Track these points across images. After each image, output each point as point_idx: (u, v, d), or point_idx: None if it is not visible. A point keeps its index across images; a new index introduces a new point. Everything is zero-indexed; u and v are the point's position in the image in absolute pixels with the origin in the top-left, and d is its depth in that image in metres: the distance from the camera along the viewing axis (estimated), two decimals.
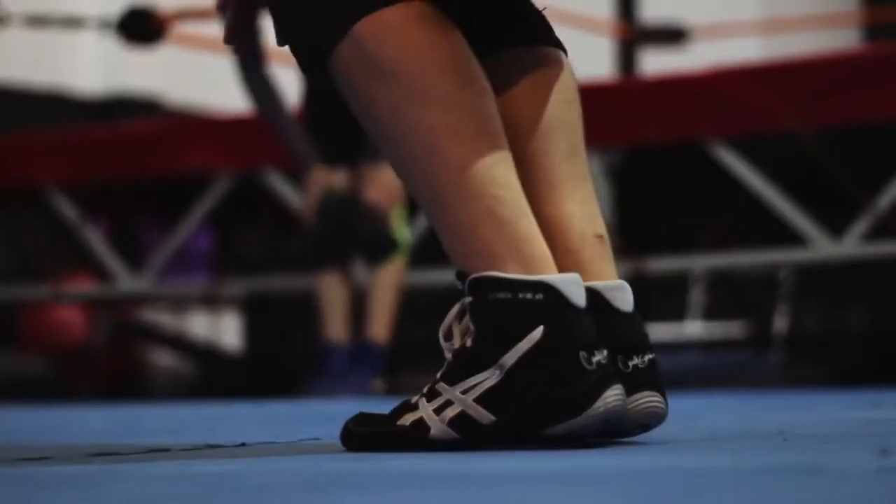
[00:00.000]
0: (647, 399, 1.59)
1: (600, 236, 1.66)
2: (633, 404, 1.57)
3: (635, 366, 1.59)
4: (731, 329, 8.47)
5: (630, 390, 1.56)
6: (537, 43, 1.71)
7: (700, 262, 4.73)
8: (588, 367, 1.50)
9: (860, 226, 4.33)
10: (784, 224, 4.46)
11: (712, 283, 8.45)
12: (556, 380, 1.50)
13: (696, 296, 8.62)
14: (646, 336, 1.63)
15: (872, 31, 8.95)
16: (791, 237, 4.48)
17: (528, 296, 1.51)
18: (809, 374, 7.46)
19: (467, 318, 1.54)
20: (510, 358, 1.50)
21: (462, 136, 1.55)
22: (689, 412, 2.50)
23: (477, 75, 1.58)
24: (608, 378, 1.51)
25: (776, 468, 1.24)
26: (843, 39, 8.99)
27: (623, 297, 1.61)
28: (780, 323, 8.32)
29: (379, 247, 4.27)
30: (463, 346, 1.54)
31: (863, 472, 1.19)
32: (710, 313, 8.72)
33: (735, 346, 8.14)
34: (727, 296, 8.63)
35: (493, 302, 1.52)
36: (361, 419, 1.60)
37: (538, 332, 1.50)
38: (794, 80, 4.37)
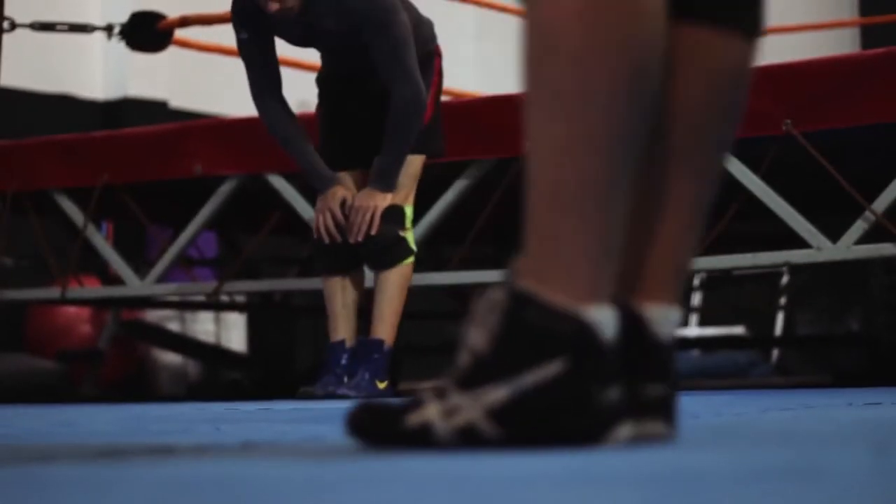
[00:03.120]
0: (653, 429, 1.58)
1: (681, 265, 1.62)
2: (639, 431, 1.56)
3: (652, 394, 1.57)
4: (731, 330, 8.48)
5: (641, 416, 1.56)
6: (739, 28, 1.61)
7: (699, 265, 4.74)
8: (603, 405, 1.49)
9: (858, 228, 4.34)
10: (783, 226, 4.47)
11: (712, 285, 8.47)
12: (570, 411, 1.48)
13: (697, 298, 8.64)
14: (673, 365, 1.61)
15: (869, 36, 8.96)
16: (790, 239, 4.49)
17: (561, 325, 1.48)
18: (808, 375, 7.47)
19: (495, 318, 1.51)
20: (528, 379, 1.48)
21: (597, 151, 1.47)
22: (689, 412, 2.51)
23: (649, 82, 1.49)
24: (621, 415, 1.51)
25: (775, 468, 1.24)
26: (840, 44, 9.01)
27: (665, 326, 1.59)
28: (780, 324, 8.34)
29: (388, 249, 4.29)
30: (482, 351, 1.52)
31: (861, 472, 1.19)
32: (710, 315, 8.73)
33: (735, 346, 8.16)
34: (727, 297, 8.65)
35: (526, 320, 1.49)
36: (368, 409, 1.58)
37: (560, 363, 1.48)
38: (791, 84, 4.40)
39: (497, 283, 1.54)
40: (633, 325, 1.56)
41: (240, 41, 4.29)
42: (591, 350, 1.49)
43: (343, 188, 4.33)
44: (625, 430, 1.52)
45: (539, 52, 1.50)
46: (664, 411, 1.59)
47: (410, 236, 4.34)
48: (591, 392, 1.48)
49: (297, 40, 4.30)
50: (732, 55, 1.61)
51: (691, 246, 1.63)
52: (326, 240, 4.31)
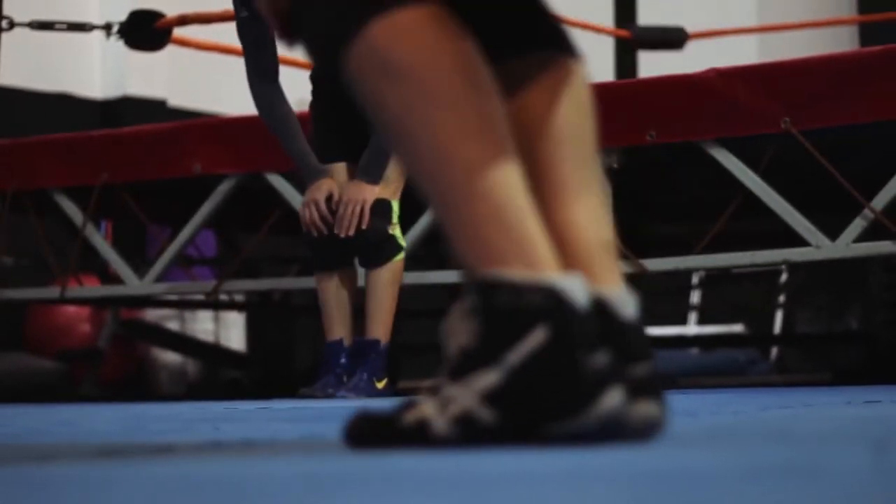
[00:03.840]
0: (646, 408, 1.58)
1: (607, 243, 1.68)
2: (631, 412, 1.56)
3: (635, 374, 1.58)
4: (729, 328, 8.48)
5: (633, 397, 1.56)
6: (551, 49, 1.73)
7: (698, 263, 4.74)
8: (589, 368, 1.51)
9: (856, 226, 4.34)
10: (782, 224, 4.47)
11: (711, 284, 8.47)
12: (558, 379, 1.50)
13: (696, 296, 8.64)
14: (647, 344, 1.64)
15: (868, 34, 8.96)
16: (789, 237, 4.49)
17: (532, 296, 1.51)
18: (807, 373, 7.47)
19: (471, 316, 1.54)
20: (514, 357, 1.51)
21: (469, 138, 1.56)
22: (688, 410, 2.52)
23: (486, 79, 1.59)
24: (609, 379, 1.52)
25: (774, 467, 1.24)
26: (839, 42, 9.01)
27: (626, 305, 1.61)
28: (779, 322, 8.34)
29: (378, 247, 4.28)
30: (466, 344, 1.54)
31: (861, 470, 1.19)
32: (709, 313, 8.73)
33: (734, 344, 8.16)
34: (726, 296, 8.65)
35: (497, 302, 1.53)
36: (364, 417, 1.60)
37: (541, 332, 1.50)
38: (790, 82, 4.40)
39: (461, 295, 1.57)
40: (597, 308, 1.58)
41: (240, 20, 4.27)
42: (567, 315, 1.51)
43: (330, 181, 4.31)
44: (615, 395, 1.52)
45: (383, 86, 1.59)
46: (653, 390, 1.60)
47: (398, 232, 4.32)
48: (575, 357, 1.51)
49: None
50: (568, 68, 1.73)
51: (608, 225, 1.70)
52: (314, 233, 4.29)
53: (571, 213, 1.67)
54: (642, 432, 1.60)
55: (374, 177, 4.25)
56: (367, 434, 1.59)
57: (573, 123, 1.71)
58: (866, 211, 4.30)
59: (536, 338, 1.51)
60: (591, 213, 1.68)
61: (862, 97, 4.30)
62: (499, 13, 1.72)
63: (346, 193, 4.26)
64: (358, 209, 4.23)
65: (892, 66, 4.30)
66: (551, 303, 1.51)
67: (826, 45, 7.60)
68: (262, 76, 4.28)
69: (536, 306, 1.51)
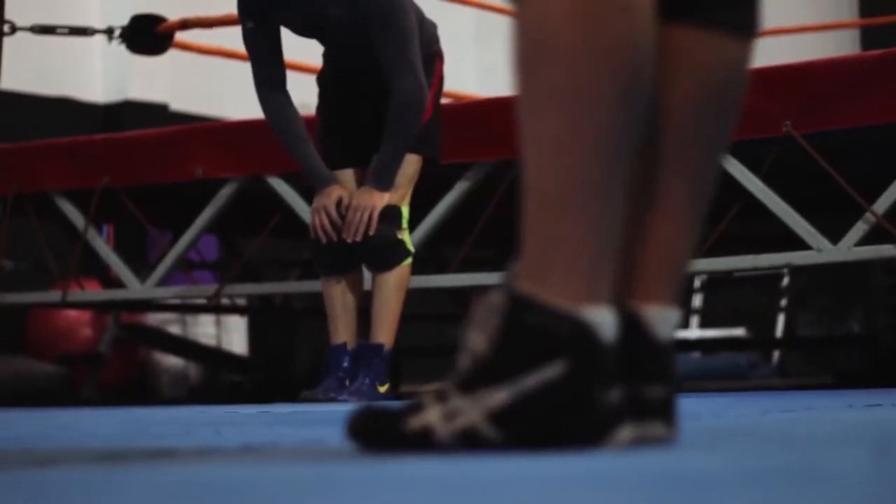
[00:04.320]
0: (653, 430, 1.57)
1: (678, 266, 1.62)
2: (640, 433, 1.55)
3: (650, 395, 1.57)
4: (731, 332, 8.48)
5: (641, 418, 1.56)
6: (737, 31, 1.60)
7: (700, 267, 4.74)
8: (603, 406, 1.49)
9: (858, 229, 4.34)
10: (783, 228, 4.47)
11: (712, 287, 8.48)
12: (571, 414, 1.48)
13: (697, 300, 8.64)
14: (670, 368, 1.60)
15: (869, 37, 8.97)
16: (790, 241, 4.49)
17: (561, 326, 1.49)
18: (808, 376, 7.47)
19: (495, 321, 1.52)
20: (528, 382, 1.49)
21: (596, 153, 1.47)
22: (690, 414, 2.52)
23: (640, 91, 1.49)
24: (621, 417, 1.51)
25: (776, 470, 1.25)
26: (840, 45, 9.01)
27: (664, 327, 1.59)
28: (780, 326, 8.34)
29: (386, 251, 4.29)
30: (482, 353, 1.52)
31: (862, 474, 1.19)
32: (711, 317, 8.74)
33: (736, 348, 8.16)
34: (727, 299, 8.66)
35: (525, 322, 1.50)
36: (368, 415, 1.58)
37: (560, 364, 1.48)
38: (792, 85, 4.40)
39: (496, 286, 1.55)
40: (631, 326, 1.56)
41: (245, 31, 4.28)
42: (591, 351, 1.49)
43: (340, 187, 4.32)
44: (626, 432, 1.52)
45: (530, 51, 1.50)
46: (664, 413, 1.59)
47: (407, 237, 4.33)
48: (591, 394, 1.49)
49: (303, 28, 4.27)
50: (726, 55, 1.60)
51: (688, 247, 1.63)
52: (323, 239, 4.30)
53: (658, 227, 1.60)
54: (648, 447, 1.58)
55: (385, 184, 4.26)
56: (370, 433, 1.57)
57: (706, 122, 1.60)
58: (868, 214, 4.30)
59: (556, 369, 1.48)
60: (678, 231, 1.61)
61: (863, 100, 4.30)
62: None
63: (356, 199, 4.27)
64: (367, 215, 4.25)
65: (894, 69, 4.30)
66: (577, 337, 1.48)
67: (827, 49, 7.60)
68: (270, 85, 4.29)
69: (562, 337, 1.48)
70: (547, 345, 1.49)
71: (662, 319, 1.59)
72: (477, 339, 1.53)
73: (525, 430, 1.49)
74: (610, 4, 1.48)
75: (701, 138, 1.61)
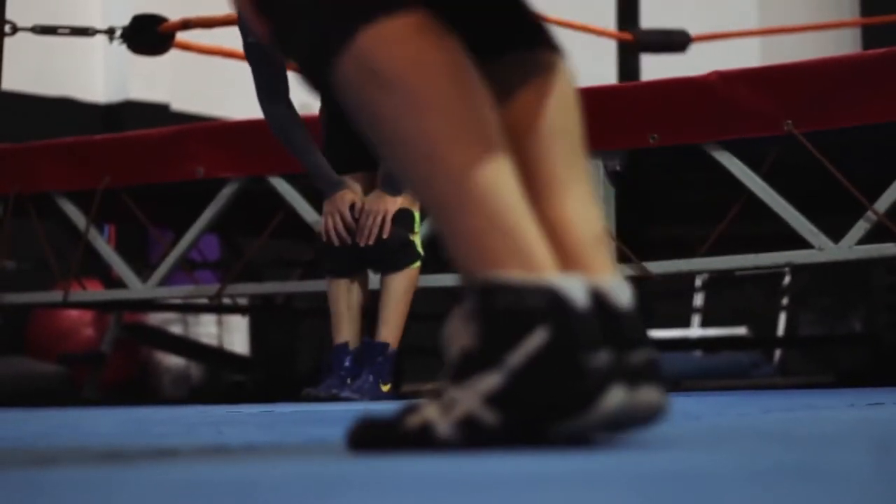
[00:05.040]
0: (647, 395, 1.59)
1: (599, 235, 1.70)
2: (633, 400, 1.57)
3: (634, 361, 1.59)
4: (733, 331, 8.48)
5: (633, 383, 1.56)
6: (536, 47, 1.74)
7: (702, 266, 4.74)
8: (591, 367, 1.51)
9: (860, 228, 4.34)
10: (785, 227, 4.47)
11: (714, 286, 8.48)
12: (561, 380, 1.50)
13: (699, 299, 8.64)
14: (643, 331, 1.64)
15: (870, 36, 8.96)
16: (792, 240, 4.49)
17: (531, 298, 1.52)
18: (810, 375, 7.47)
19: (471, 319, 1.55)
20: (515, 358, 1.51)
21: (462, 142, 1.56)
22: (691, 413, 2.52)
23: (476, 83, 1.60)
24: (611, 377, 1.52)
25: (778, 469, 1.25)
26: (841, 44, 9.01)
27: (622, 294, 1.62)
28: (782, 325, 8.34)
29: (397, 253, 4.30)
30: (468, 347, 1.55)
31: (864, 473, 1.20)
32: (712, 316, 8.73)
33: (737, 347, 8.16)
34: (729, 298, 8.65)
35: (497, 304, 1.53)
36: (367, 422, 1.60)
37: (541, 333, 1.51)
38: (793, 84, 4.40)
39: (462, 295, 1.57)
40: (595, 298, 1.58)
41: (247, 45, 4.28)
42: (568, 315, 1.52)
43: (351, 192, 4.34)
44: (618, 393, 1.53)
45: (373, 96, 1.60)
46: (651, 377, 1.61)
47: (419, 240, 4.35)
48: (577, 357, 1.51)
49: None
50: (549, 65, 1.74)
51: (598, 215, 1.72)
52: (336, 242, 4.31)
53: (562, 208, 1.69)
54: (646, 420, 1.61)
55: (397, 189, 4.28)
56: (370, 438, 1.59)
57: (560, 120, 1.72)
58: (869, 213, 4.30)
59: (536, 339, 1.51)
60: (582, 206, 1.70)
61: (864, 99, 4.30)
62: (482, 14, 1.73)
63: (369, 204, 4.28)
64: (379, 219, 4.26)
65: (895, 68, 4.30)
66: (551, 304, 1.52)
67: (828, 48, 7.61)
68: (272, 97, 4.30)
69: (536, 307, 1.52)
70: (524, 318, 1.52)
71: (618, 287, 1.63)
72: (461, 340, 1.56)
73: (521, 407, 1.51)
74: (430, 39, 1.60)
75: (559, 134, 1.72)
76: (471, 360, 1.54)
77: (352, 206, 4.31)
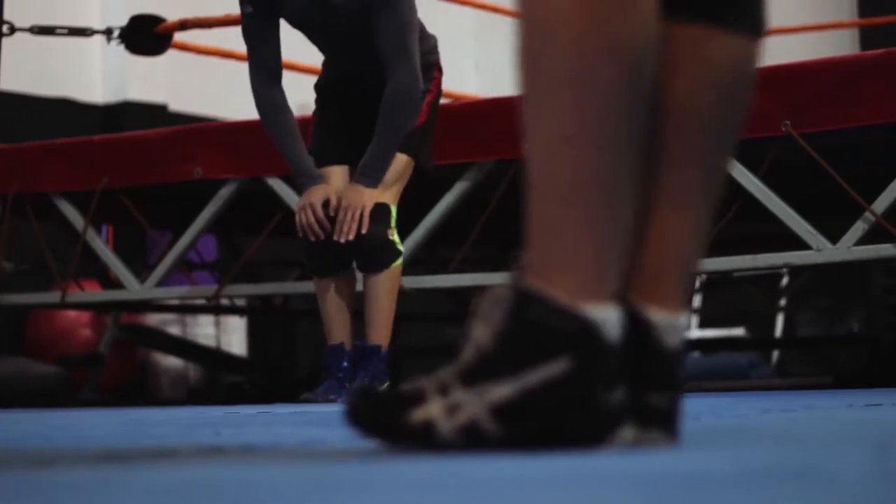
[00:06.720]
0: (651, 439, 1.57)
1: (683, 261, 1.61)
2: (640, 440, 1.55)
3: (654, 403, 1.56)
4: (731, 332, 8.48)
5: (642, 425, 1.55)
6: (737, 28, 1.61)
7: (699, 266, 4.74)
8: (605, 405, 1.49)
9: (857, 229, 4.34)
10: (783, 228, 4.47)
11: (711, 287, 8.48)
12: (573, 411, 1.48)
13: (697, 300, 8.64)
14: (679, 375, 1.59)
15: (868, 37, 8.97)
16: (789, 241, 4.49)
17: (566, 323, 1.48)
18: (808, 376, 7.47)
19: (500, 315, 1.51)
20: (532, 378, 1.48)
21: (601, 145, 1.47)
22: (690, 414, 2.51)
23: (645, 85, 1.49)
24: (622, 418, 1.51)
25: (776, 470, 1.25)
26: (840, 45, 9.01)
27: (669, 334, 1.57)
28: (780, 326, 8.34)
29: (377, 252, 4.27)
30: (486, 348, 1.51)
31: (862, 474, 1.19)
32: (710, 317, 8.74)
33: (735, 348, 8.16)
34: (727, 299, 8.66)
35: (530, 318, 1.50)
36: (369, 401, 1.56)
37: (564, 361, 1.48)
38: (791, 85, 4.40)
39: (502, 281, 1.54)
40: (638, 329, 1.56)
41: (245, 16, 4.25)
42: (595, 350, 1.49)
43: (326, 186, 4.29)
44: (628, 432, 1.52)
45: (534, 46, 1.51)
46: (667, 422, 1.58)
47: (397, 236, 4.30)
48: (594, 392, 1.48)
49: (303, 21, 4.24)
50: (732, 53, 1.61)
51: (696, 245, 1.62)
52: (311, 237, 4.27)
53: (663, 219, 1.59)
54: None
55: (374, 178, 4.23)
56: (371, 421, 1.56)
57: (715, 121, 1.60)
58: (867, 214, 4.30)
59: (559, 366, 1.48)
60: (685, 227, 1.60)
61: (863, 100, 4.30)
62: None
63: (346, 198, 4.24)
64: (358, 214, 4.22)
65: (893, 68, 4.30)
66: (583, 334, 1.48)
67: (827, 49, 7.61)
68: (266, 75, 4.25)
69: (568, 334, 1.48)
70: (551, 341, 1.48)
71: (671, 325, 1.57)
72: (481, 332, 1.52)
73: (527, 426, 1.49)
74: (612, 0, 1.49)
75: (707, 137, 1.61)
76: (485, 363, 1.51)
77: (326, 202, 4.26)
